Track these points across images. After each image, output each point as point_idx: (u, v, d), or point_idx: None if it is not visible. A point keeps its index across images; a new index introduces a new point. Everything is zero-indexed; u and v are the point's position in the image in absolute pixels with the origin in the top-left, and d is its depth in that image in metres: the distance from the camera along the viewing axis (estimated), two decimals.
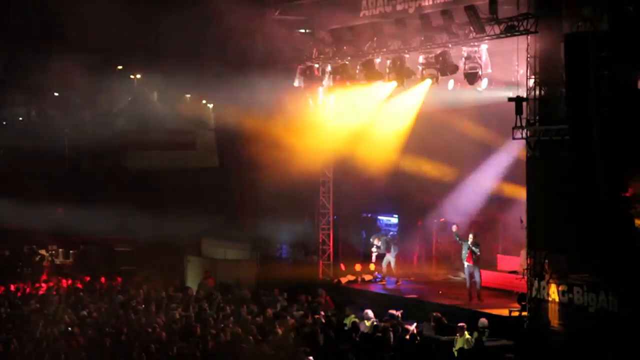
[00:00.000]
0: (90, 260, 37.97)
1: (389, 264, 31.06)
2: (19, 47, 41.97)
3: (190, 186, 38.96)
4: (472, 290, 27.82)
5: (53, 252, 38.73)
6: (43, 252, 38.64)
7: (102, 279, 32.83)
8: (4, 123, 48.31)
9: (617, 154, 21.30)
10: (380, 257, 31.35)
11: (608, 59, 21.21)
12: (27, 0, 41.17)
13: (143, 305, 27.55)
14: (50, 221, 37.58)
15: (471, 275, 27.87)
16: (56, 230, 38.17)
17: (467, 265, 27.95)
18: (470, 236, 28.10)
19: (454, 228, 29.20)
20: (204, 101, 45.71)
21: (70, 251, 39.11)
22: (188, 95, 46.33)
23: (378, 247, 31.33)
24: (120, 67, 45.90)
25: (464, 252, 28.11)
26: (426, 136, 31.28)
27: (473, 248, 27.78)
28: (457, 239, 28.70)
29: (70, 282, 32.39)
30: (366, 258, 32.26)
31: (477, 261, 27.84)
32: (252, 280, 32.48)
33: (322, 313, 25.95)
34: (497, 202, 31.68)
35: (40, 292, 30.68)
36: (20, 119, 49.44)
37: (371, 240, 31.75)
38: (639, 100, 21.45)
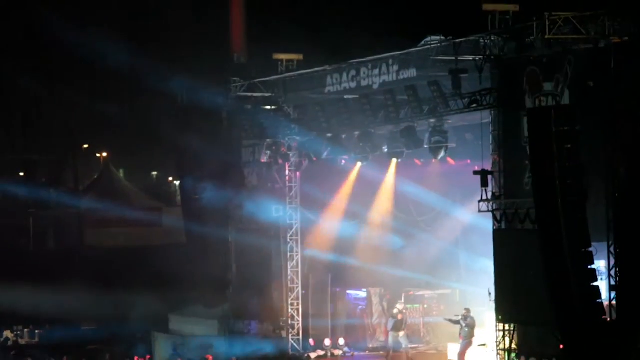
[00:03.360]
0: (56, 339, 37.31)
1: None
2: None
3: (156, 263, 38.65)
4: None
5: (18, 332, 38.09)
6: (8, 333, 37.99)
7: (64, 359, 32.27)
8: None
9: (582, 227, 21.43)
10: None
11: (570, 133, 21.48)
12: None
13: None
14: (15, 301, 37.01)
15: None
16: (21, 310, 37.58)
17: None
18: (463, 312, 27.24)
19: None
20: (170, 178, 45.67)
21: (36, 331, 38.47)
22: (154, 173, 46.29)
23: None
24: (86, 146, 45.89)
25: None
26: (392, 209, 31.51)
27: (462, 325, 26.87)
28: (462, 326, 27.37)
29: None
30: (334, 332, 32.14)
31: (465, 336, 26.91)
32: (222, 357, 32.10)
33: None
34: (465, 274, 31.67)
35: None
36: None
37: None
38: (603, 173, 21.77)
